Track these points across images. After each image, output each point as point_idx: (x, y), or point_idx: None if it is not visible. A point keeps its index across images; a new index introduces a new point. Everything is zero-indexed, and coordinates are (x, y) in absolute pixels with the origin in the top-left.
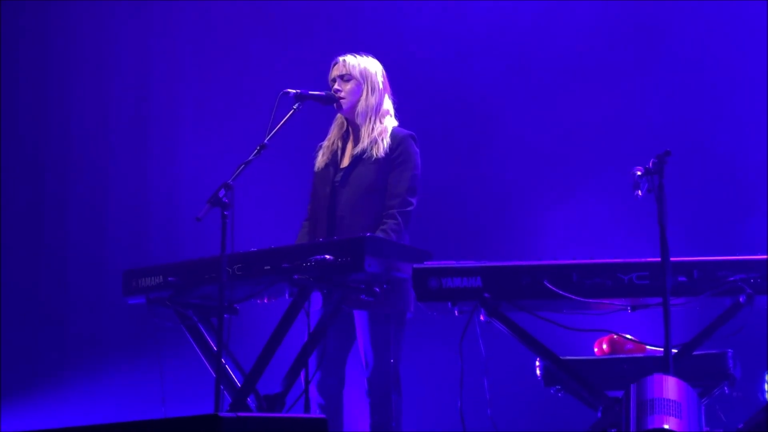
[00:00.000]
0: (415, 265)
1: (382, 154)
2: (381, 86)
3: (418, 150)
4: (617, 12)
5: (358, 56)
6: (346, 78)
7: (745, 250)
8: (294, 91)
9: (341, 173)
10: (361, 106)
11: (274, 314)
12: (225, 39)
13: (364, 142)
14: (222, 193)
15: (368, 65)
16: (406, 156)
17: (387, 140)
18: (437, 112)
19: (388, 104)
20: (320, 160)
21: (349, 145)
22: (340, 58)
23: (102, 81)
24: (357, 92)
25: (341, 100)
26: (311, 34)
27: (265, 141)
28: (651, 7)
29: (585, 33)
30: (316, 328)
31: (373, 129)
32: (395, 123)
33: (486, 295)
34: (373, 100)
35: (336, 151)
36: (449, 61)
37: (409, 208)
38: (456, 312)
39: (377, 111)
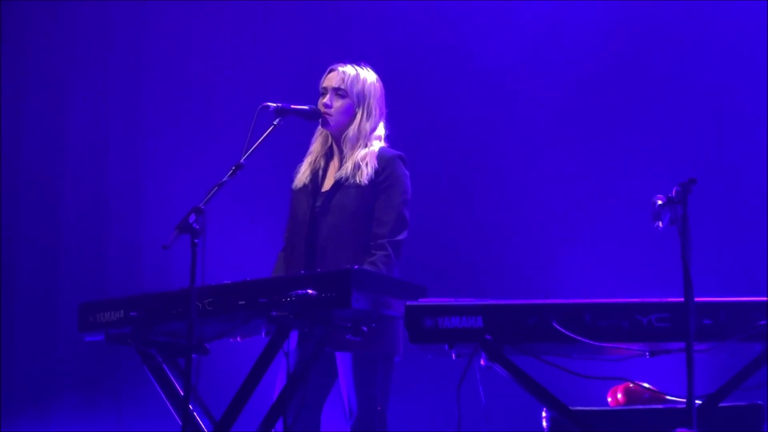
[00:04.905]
0: (408, 302)
1: (366, 180)
2: (378, 111)
3: (407, 172)
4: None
5: (358, 68)
6: (340, 93)
7: None
8: (274, 104)
9: (322, 198)
10: (352, 130)
11: (248, 354)
12: (196, 46)
13: (348, 166)
14: (192, 218)
15: (368, 84)
16: (395, 179)
17: (372, 163)
18: (432, 135)
19: (381, 130)
20: (299, 177)
21: (332, 166)
22: (339, 68)
23: (60, 104)
24: (348, 113)
25: (328, 117)
26: (296, 40)
27: (242, 160)
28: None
29: (588, 56)
30: (295, 371)
31: (359, 152)
32: (383, 144)
33: (487, 336)
34: (367, 126)
35: (317, 171)
36: (447, 80)
37: (400, 237)
38: (453, 355)
39: (368, 136)
